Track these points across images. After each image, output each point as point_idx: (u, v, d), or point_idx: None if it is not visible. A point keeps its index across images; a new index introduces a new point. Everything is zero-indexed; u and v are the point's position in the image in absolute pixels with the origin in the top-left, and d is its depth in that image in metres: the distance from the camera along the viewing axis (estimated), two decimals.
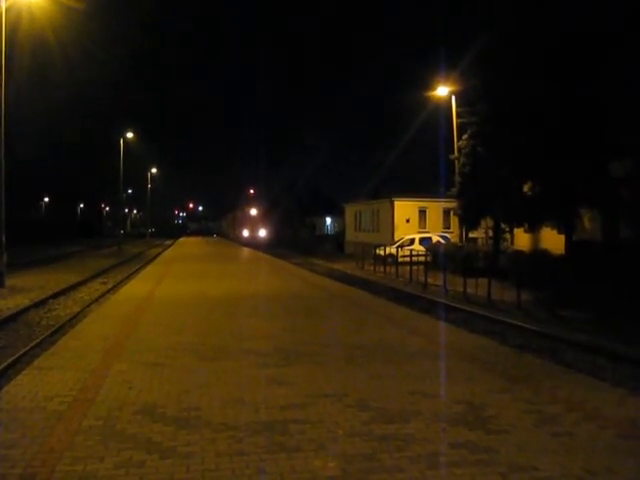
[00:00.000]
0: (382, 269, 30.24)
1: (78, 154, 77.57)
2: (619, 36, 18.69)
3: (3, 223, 21.59)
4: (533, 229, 25.88)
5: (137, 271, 28.90)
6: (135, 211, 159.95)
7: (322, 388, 7.15)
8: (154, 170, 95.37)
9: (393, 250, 31.98)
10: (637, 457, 5.09)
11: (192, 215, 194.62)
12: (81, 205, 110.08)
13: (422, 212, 44.19)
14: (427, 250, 29.14)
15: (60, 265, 35.16)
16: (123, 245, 58.17)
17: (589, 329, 14.35)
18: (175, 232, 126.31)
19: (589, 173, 20.10)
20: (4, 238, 21.60)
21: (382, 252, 32.91)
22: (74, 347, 9.50)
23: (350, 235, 54.49)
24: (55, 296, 20.25)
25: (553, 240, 25.09)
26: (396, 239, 38.80)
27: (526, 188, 23.97)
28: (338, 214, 69.04)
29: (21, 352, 11.50)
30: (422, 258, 27.07)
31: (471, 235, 34.17)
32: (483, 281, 19.69)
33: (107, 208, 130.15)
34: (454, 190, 29.71)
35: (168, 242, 77.71)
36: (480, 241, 33.92)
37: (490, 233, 30.72)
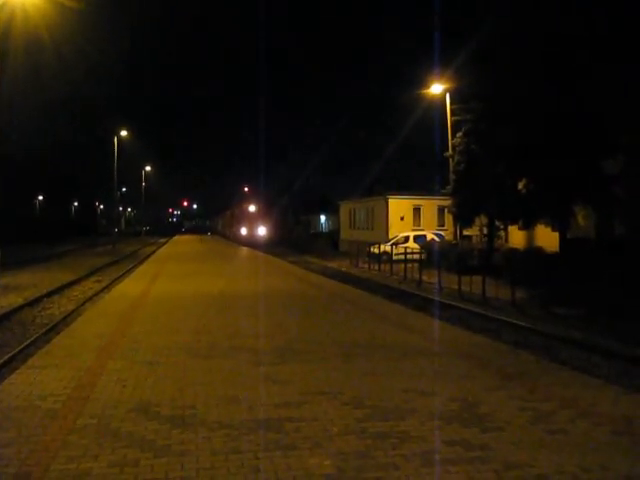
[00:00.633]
0: (377, 267, 30.28)
1: (72, 153, 77.36)
2: (614, 37, 18.72)
3: None
4: (527, 227, 25.96)
5: (131, 270, 28.86)
6: (129, 209, 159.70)
7: (317, 386, 7.14)
8: (148, 168, 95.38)
9: (387, 248, 32.05)
10: (631, 454, 5.10)
11: (187, 213, 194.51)
12: (75, 203, 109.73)
13: (416, 210, 44.20)
14: (421, 248, 29.15)
15: (54, 264, 35.10)
16: (117, 244, 58.05)
17: (583, 326, 14.39)
18: (169, 230, 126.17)
19: (583, 171, 20.15)
20: None
21: (376, 250, 32.94)
22: (68, 346, 9.48)
23: (345, 233, 54.48)
24: (49, 295, 20.21)
25: (547, 238, 25.16)
26: (390, 237, 38.82)
27: (520, 186, 24.02)
28: (333, 212, 69.03)
29: (15, 351, 11.48)
30: (416, 256, 27.09)
31: (465, 233, 34.24)
32: (477, 279, 19.73)
33: (101, 206, 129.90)
34: (448, 188, 29.74)
35: (162, 240, 77.61)
36: (474, 239, 33.96)
37: (484, 231, 30.77)
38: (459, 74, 28.08)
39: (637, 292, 15.20)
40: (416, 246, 31.06)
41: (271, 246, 54.33)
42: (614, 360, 11.06)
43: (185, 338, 10.15)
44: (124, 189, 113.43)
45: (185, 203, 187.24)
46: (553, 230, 24.52)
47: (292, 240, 58.15)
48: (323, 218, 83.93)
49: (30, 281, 24.18)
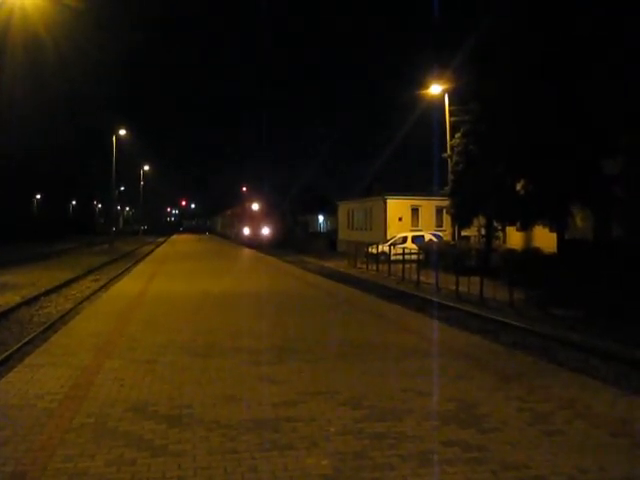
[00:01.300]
0: (375, 267, 30.28)
1: (71, 151, 77.24)
2: (614, 37, 18.73)
3: None
4: (525, 227, 25.95)
5: (129, 269, 28.84)
6: (127, 208, 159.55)
7: (314, 386, 7.14)
8: (146, 167, 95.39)
9: (386, 248, 32.02)
10: (628, 455, 5.10)
11: (185, 213, 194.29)
12: (73, 202, 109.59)
13: (415, 210, 44.24)
14: (420, 248, 29.16)
15: (52, 262, 35.07)
16: (115, 243, 57.99)
17: (581, 328, 14.40)
18: (167, 230, 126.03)
19: (582, 172, 20.15)
20: None
21: (374, 250, 32.94)
22: (66, 344, 9.46)
23: (343, 233, 54.47)
24: (47, 293, 20.20)
25: (545, 238, 25.15)
26: (389, 237, 38.83)
27: (519, 187, 24.02)
28: (331, 212, 69.01)
29: (12, 349, 11.48)
30: (414, 256, 27.11)
31: (464, 233, 34.24)
32: (475, 279, 19.74)
33: (99, 205, 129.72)
34: (447, 188, 29.76)
35: (160, 240, 77.54)
36: (473, 239, 33.98)
37: (483, 231, 30.78)
38: (458, 74, 28.12)
39: (635, 294, 15.20)
40: (414, 246, 31.07)
41: (269, 246, 54.18)
42: (612, 362, 11.08)
43: (183, 337, 10.14)
44: (122, 188, 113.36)
45: (183, 202, 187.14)
46: (551, 231, 24.51)
47: (290, 240, 57.86)
48: (321, 218, 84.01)
49: (28, 280, 24.15)
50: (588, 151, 19.92)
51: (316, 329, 11.11)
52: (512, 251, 24.96)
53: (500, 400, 6.61)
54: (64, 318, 15.12)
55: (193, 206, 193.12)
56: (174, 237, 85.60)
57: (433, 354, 9.04)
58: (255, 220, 63.50)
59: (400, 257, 27.13)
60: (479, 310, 16.93)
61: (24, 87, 46.55)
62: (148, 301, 15.15)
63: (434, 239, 34.68)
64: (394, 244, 33.37)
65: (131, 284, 19.36)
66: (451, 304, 18.08)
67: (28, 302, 18.02)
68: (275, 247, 52.83)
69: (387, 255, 30.04)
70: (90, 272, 28.67)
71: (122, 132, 57.09)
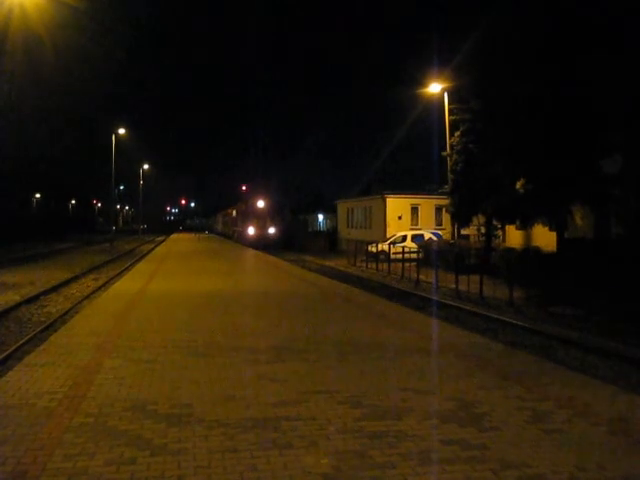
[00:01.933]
0: (374, 266, 30.28)
1: (71, 151, 77.19)
2: (610, 35, 18.72)
3: None
4: (525, 226, 25.94)
5: (128, 268, 28.83)
6: (127, 207, 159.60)
7: (314, 385, 7.14)
8: (146, 166, 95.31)
9: (385, 247, 32.03)
10: (628, 454, 5.11)
11: (184, 211, 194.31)
12: (73, 201, 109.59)
13: (414, 209, 44.26)
14: (419, 247, 29.18)
15: (51, 262, 35.06)
16: (115, 242, 57.97)
17: (580, 326, 14.42)
18: (167, 228, 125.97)
19: (581, 171, 20.15)
20: None
21: (374, 249, 32.96)
22: (65, 344, 9.45)
23: (342, 232, 54.47)
24: (46, 292, 20.20)
25: (545, 237, 25.17)
26: (388, 236, 38.84)
27: (518, 185, 24.01)
28: (330, 211, 68.93)
29: (12, 349, 11.47)
30: (414, 255, 27.13)
31: (463, 232, 34.28)
32: (475, 278, 19.75)
33: (99, 204, 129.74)
34: (446, 187, 29.76)
35: (160, 239, 77.51)
36: (472, 238, 33.99)
37: (482, 230, 30.78)
38: (458, 73, 28.08)
39: (634, 292, 15.20)
40: (414, 245, 31.09)
41: (269, 246, 53.86)
42: (611, 360, 11.09)
43: (182, 336, 10.13)
44: (122, 187, 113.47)
45: (183, 201, 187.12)
46: (551, 230, 24.53)
47: (291, 239, 57.43)
48: (321, 217, 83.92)
49: (27, 279, 24.14)
50: (587, 150, 19.93)
51: (315, 328, 11.10)
52: (512, 250, 24.94)
53: (500, 399, 6.61)
54: (63, 317, 15.11)
55: (193, 205, 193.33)
56: (174, 236, 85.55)
57: (433, 353, 9.05)
58: (262, 218, 58.46)
59: (400, 256, 27.15)
60: (479, 309, 16.94)
61: (23, 86, 46.45)
62: (147, 300, 15.13)
63: (434, 238, 34.69)
64: (394, 243, 33.39)
65: (131, 283, 19.34)
66: (451, 303, 18.09)
67: (27, 301, 18.02)
68: (274, 246, 52.25)
69: (387, 254, 30.06)
70: (90, 271, 28.66)
71: (121, 131, 57.00)
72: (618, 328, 13.75)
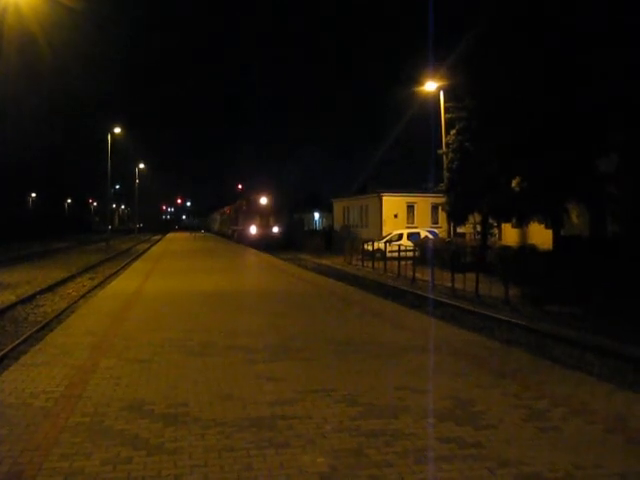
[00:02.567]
0: (370, 264, 30.30)
1: (67, 150, 77.16)
2: (606, 35, 18.73)
3: None
4: (521, 224, 26.00)
5: (124, 267, 28.80)
6: (123, 206, 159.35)
7: (310, 384, 7.13)
8: (142, 165, 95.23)
9: (381, 245, 32.05)
10: (624, 452, 5.12)
11: (180, 211, 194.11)
12: (69, 201, 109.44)
13: (410, 207, 44.32)
14: (415, 245, 29.21)
15: (47, 261, 35.02)
16: (111, 241, 57.88)
17: (576, 324, 14.44)
18: (163, 228, 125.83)
19: (577, 169, 20.17)
20: None
21: (370, 247, 32.98)
22: (61, 343, 9.43)
23: (339, 230, 54.45)
24: (42, 292, 20.17)
25: (541, 235, 25.22)
26: (384, 234, 38.87)
27: (514, 183, 24.04)
28: (326, 209, 68.98)
29: (8, 348, 11.46)
30: (410, 253, 27.18)
31: (459, 230, 34.31)
32: (471, 276, 19.76)
33: (95, 204, 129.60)
34: (442, 185, 29.80)
35: (156, 238, 77.42)
36: (468, 236, 34.04)
37: (478, 228, 30.84)
38: (453, 72, 28.10)
39: (630, 290, 15.23)
40: (410, 244, 31.13)
41: (266, 245, 53.42)
42: (607, 358, 11.10)
43: (179, 336, 10.12)
44: (117, 186, 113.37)
45: (179, 200, 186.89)
46: (546, 228, 24.57)
47: (287, 238, 57.00)
48: (317, 216, 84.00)
49: (23, 278, 24.11)
50: (583, 148, 19.95)
51: (312, 327, 11.10)
52: (508, 248, 24.99)
53: (496, 397, 6.62)
54: (60, 317, 15.10)
55: (189, 204, 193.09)
56: (170, 235, 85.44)
57: (429, 351, 9.04)
58: (265, 216, 55.14)
59: (396, 254, 27.20)
60: (475, 307, 16.96)
61: (19, 86, 46.41)
62: (144, 300, 15.11)
63: (430, 236, 34.73)
64: (390, 241, 33.42)
65: (127, 283, 19.31)
66: (447, 301, 18.11)
67: (23, 301, 17.99)
68: (274, 246, 51.26)
69: (383, 252, 30.07)
70: (86, 270, 28.63)
71: (117, 130, 56.89)
72: (615, 326, 13.76)
